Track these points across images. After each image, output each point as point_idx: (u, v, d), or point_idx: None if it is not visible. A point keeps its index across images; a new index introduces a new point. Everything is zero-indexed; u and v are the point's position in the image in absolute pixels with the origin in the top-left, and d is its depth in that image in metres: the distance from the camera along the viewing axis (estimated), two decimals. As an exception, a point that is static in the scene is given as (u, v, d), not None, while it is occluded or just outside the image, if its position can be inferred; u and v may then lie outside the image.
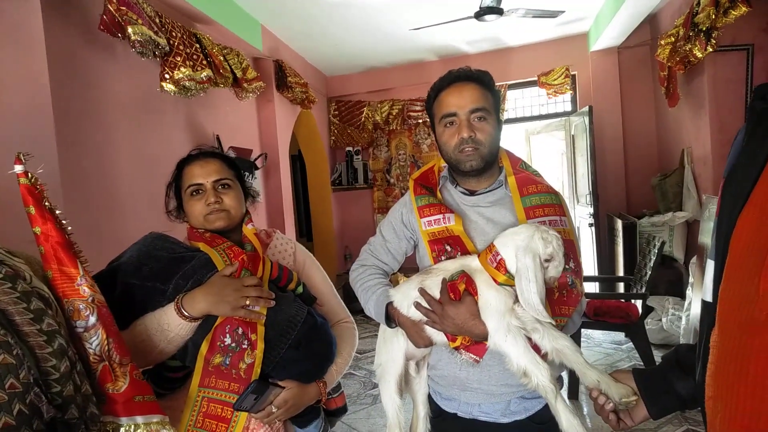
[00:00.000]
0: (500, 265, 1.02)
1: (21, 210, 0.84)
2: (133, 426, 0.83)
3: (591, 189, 4.55)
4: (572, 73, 4.94)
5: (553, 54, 4.97)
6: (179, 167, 1.24)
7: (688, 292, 3.40)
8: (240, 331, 1.05)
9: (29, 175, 0.83)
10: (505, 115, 5.28)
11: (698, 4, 2.95)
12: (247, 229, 1.21)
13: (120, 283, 1.04)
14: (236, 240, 1.19)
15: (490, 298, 1.02)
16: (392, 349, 1.17)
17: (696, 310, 3.17)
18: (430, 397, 1.25)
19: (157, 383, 1.10)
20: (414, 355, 1.20)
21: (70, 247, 0.86)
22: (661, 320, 3.57)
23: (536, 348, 1.00)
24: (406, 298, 1.13)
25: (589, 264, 4.77)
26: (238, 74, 3.27)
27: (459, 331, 1.04)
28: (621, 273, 4.10)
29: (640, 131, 4.75)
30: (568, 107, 5.36)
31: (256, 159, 3.95)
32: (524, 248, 0.99)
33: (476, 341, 1.04)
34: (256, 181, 3.92)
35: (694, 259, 3.42)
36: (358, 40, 4.59)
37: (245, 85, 3.37)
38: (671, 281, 3.79)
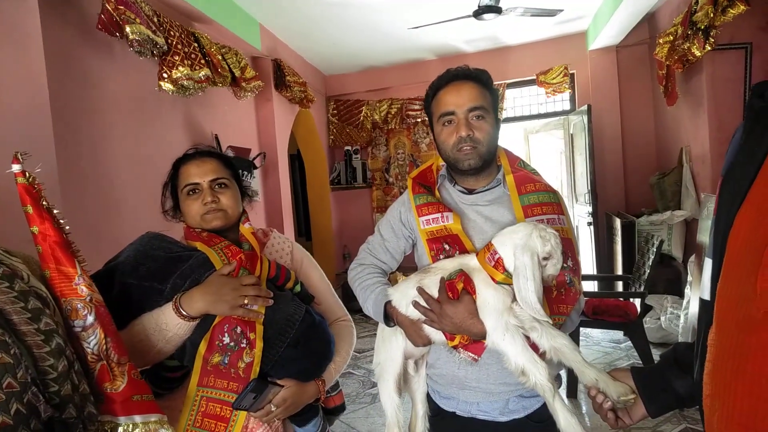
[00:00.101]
0: (498, 264, 1.02)
1: (19, 209, 0.84)
2: (131, 425, 0.83)
3: (590, 188, 4.55)
4: (571, 71, 4.94)
5: (552, 53, 4.97)
6: (175, 167, 1.23)
7: (687, 290, 3.40)
8: (238, 330, 1.05)
9: (27, 174, 0.83)
10: (504, 114, 5.28)
11: (696, 2, 2.95)
12: (245, 228, 1.20)
13: (117, 282, 1.04)
14: (233, 239, 1.19)
15: (488, 296, 1.02)
16: (391, 348, 1.17)
17: (694, 308, 3.17)
18: (428, 395, 1.25)
19: (155, 383, 1.10)
20: (413, 354, 1.21)
21: (67, 247, 0.86)
22: (659, 319, 3.58)
23: (534, 347, 1.00)
24: (404, 297, 1.13)
25: (588, 263, 4.77)
26: (237, 73, 3.26)
27: (457, 330, 1.04)
28: (620, 272, 4.10)
29: (638, 130, 4.75)
30: (567, 106, 5.36)
31: (254, 158, 3.95)
32: (522, 246, 0.99)
33: (474, 340, 1.04)
34: (255, 181, 3.92)
35: (692, 258, 3.42)
36: (357, 39, 4.59)
37: (244, 84, 3.37)
38: (670, 280, 3.79)
